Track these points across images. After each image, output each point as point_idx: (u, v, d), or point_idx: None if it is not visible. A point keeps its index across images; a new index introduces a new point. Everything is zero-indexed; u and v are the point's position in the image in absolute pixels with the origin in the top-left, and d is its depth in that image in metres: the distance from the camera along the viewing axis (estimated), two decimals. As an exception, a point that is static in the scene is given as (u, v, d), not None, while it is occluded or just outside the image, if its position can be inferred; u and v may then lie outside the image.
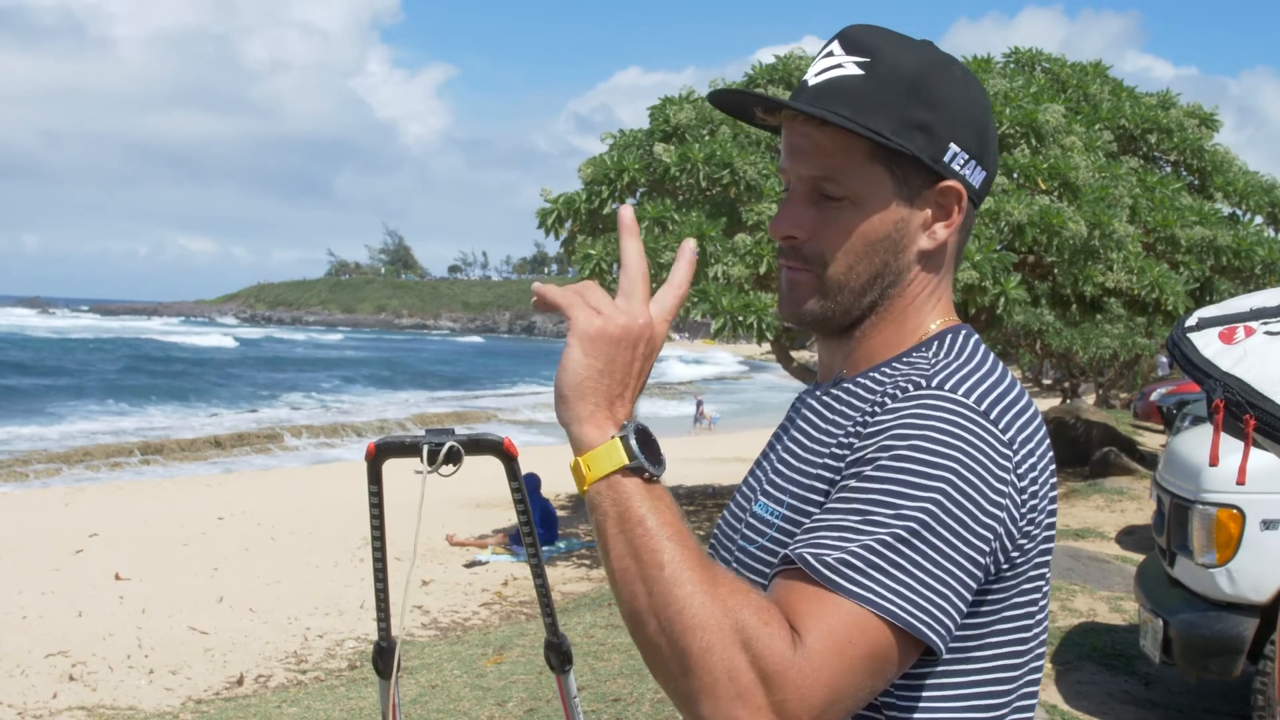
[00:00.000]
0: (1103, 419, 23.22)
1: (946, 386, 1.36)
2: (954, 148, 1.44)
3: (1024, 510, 1.34)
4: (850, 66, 1.44)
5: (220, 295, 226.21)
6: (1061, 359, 35.29)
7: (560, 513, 16.55)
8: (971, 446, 1.30)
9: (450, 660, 7.92)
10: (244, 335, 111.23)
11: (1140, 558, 9.37)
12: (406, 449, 2.19)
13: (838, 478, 1.36)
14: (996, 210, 11.92)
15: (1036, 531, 1.38)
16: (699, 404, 40.54)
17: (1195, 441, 6.19)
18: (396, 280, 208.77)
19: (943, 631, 1.26)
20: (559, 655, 2.57)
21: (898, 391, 1.37)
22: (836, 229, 1.45)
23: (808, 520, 1.38)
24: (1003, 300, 11.97)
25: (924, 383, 1.37)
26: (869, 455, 1.32)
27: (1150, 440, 24.34)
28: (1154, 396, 29.48)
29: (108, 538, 14.84)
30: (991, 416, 1.34)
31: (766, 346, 14.80)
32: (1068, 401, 33.61)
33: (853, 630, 1.23)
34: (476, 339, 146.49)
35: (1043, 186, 12.75)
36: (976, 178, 1.48)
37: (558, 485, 18.55)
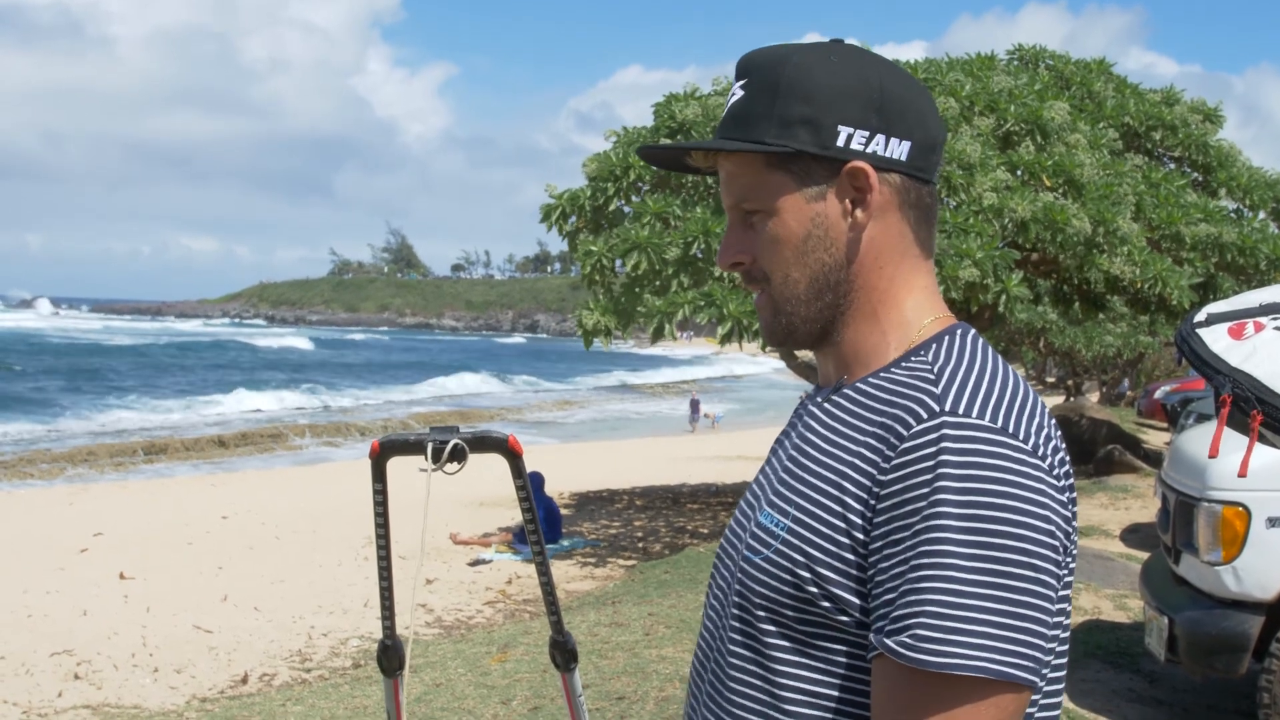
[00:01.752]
0: (1107, 417, 23.23)
1: (960, 410, 1.33)
2: (845, 129, 1.43)
3: (1069, 511, 1.36)
4: (738, 91, 1.49)
5: (223, 295, 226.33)
6: (1065, 357, 35.29)
7: (563, 511, 16.55)
8: (1017, 485, 1.29)
9: (454, 658, 7.92)
10: (316, 336, 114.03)
11: (1145, 555, 9.36)
12: (411, 447, 2.18)
13: (864, 509, 1.34)
14: (1000, 207, 11.91)
15: (1075, 525, 1.39)
16: (695, 403, 40.28)
17: (1200, 439, 6.18)
18: (399, 279, 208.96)
19: (1040, 670, 1.30)
20: (564, 654, 2.56)
21: (910, 419, 1.34)
22: (764, 241, 1.48)
23: (812, 534, 1.37)
24: (1004, 298, 11.96)
25: (936, 407, 1.34)
26: (915, 513, 1.29)
27: (1154, 438, 24.33)
28: (1158, 394, 29.46)
29: (112, 537, 14.85)
30: (1012, 431, 1.32)
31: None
32: (1071, 399, 33.57)
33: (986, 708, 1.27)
34: (519, 339, 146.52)
35: (1047, 183, 12.73)
36: (896, 149, 1.45)
37: (561, 484, 18.58)
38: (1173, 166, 15.69)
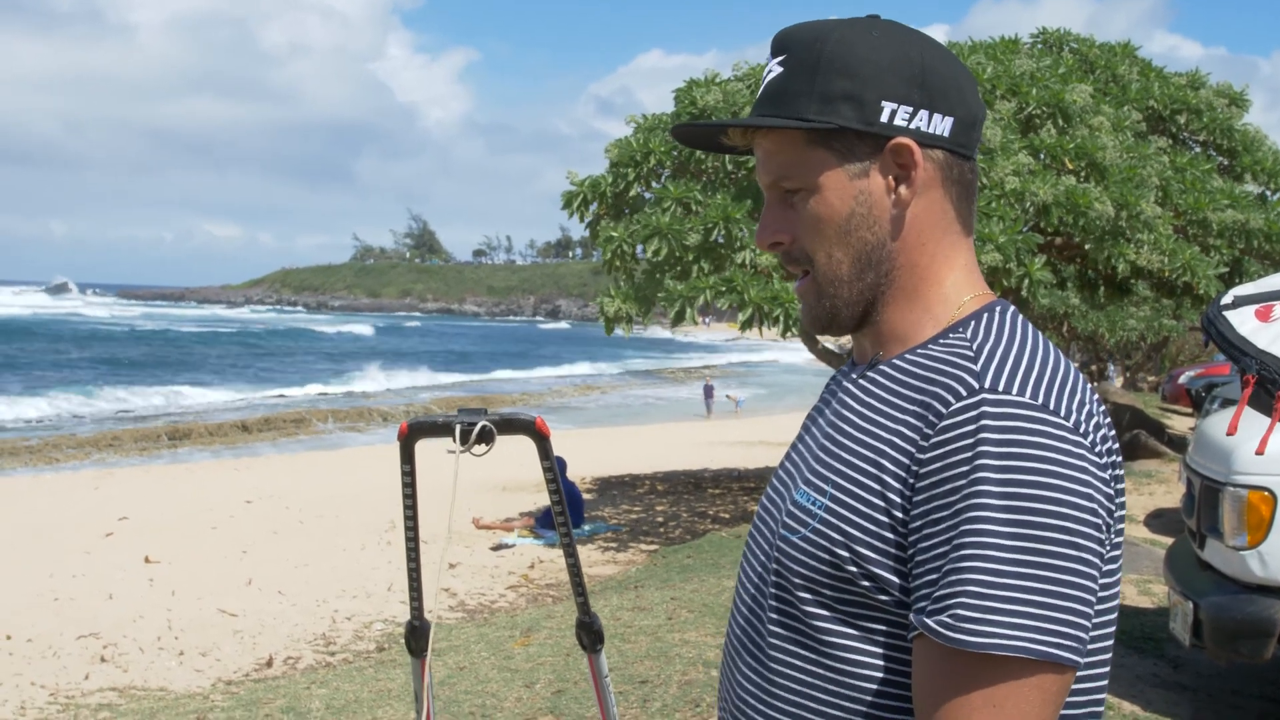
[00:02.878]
0: (1130, 402, 23.16)
1: (1000, 387, 1.32)
2: (889, 105, 1.41)
3: (1111, 488, 1.34)
4: (776, 68, 1.47)
5: (246, 280, 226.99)
6: (1088, 342, 35.17)
7: (586, 496, 16.59)
8: (1058, 463, 1.28)
9: (478, 642, 7.95)
10: (379, 324, 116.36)
11: (1169, 541, 9.32)
12: (439, 429, 2.18)
13: (903, 488, 1.34)
14: (1022, 190, 11.86)
15: (1120, 503, 1.38)
16: (709, 389, 40.02)
17: (1225, 424, 6.15)
18: (421, 265, 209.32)
19: (1083, 649, 1.28)
20: (590, 635, 2.57)
21: (950, 396, 1.33)
22: (806, 220, 1.46)
23: (851, 513, 1.36)
24: (1027, 282, 11.92)
25: (975, 384, 1.33)
26: (955, 492, 1.28)
27: (1179, 423, 24.24)
28: (1182, 379, 29.35)
29: (137, 521, 14.95)
30: (1053, 409, 1.31)
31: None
32: (1095, 384, 33.46)
33: (1027, 690, 1.26)
34: (565, 324, 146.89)
35: (1069, 167, 12.67)
36: (939, 125, 1.43)
37: (582, 469, 18.61)
38: (1198, 151, 15.60)
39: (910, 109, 1.42)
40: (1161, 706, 6.22)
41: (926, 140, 1.43)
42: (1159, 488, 14.56)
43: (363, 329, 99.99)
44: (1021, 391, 1.32)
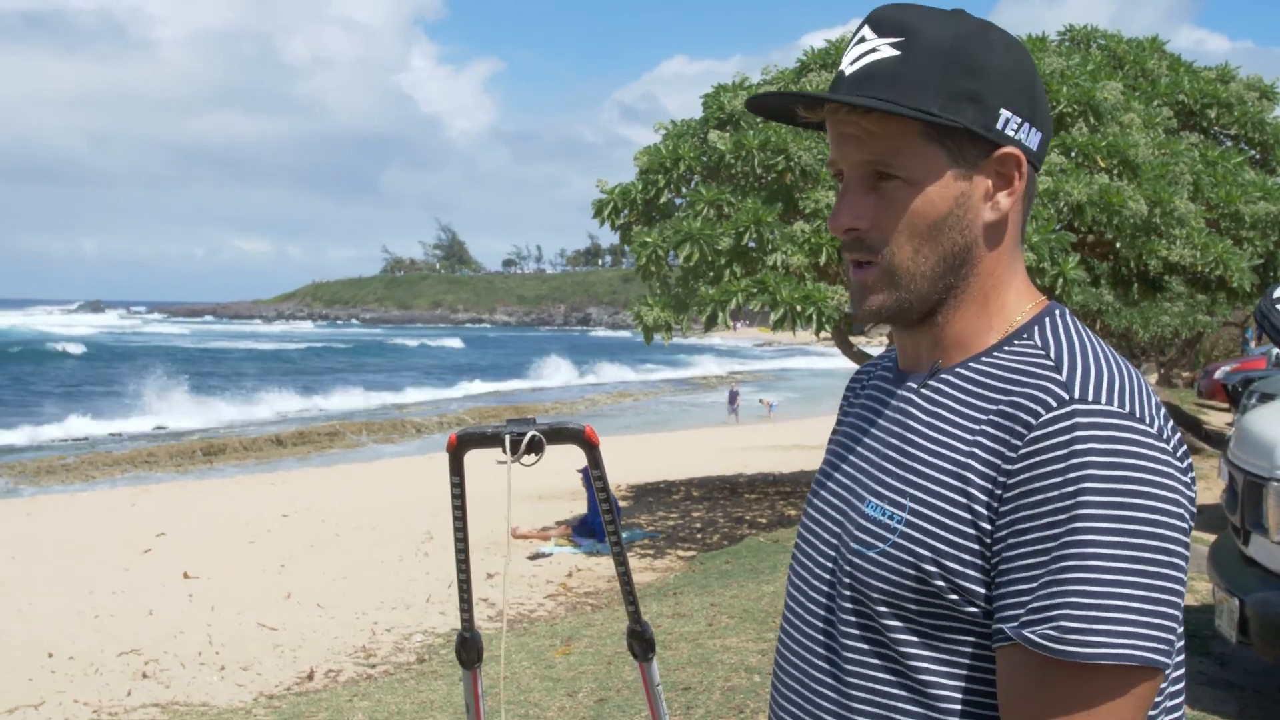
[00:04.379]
0: (1166, 398, 23.00)
1: (1089, 397, 1.31)
2: (1005, 113, 1.40)
3: (1192, 492, 1.34)
4: (885, 49, 1.40)
5: (277, 294, 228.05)
6: (1122, 339, 34.97)
7: (621, 503, 16.58)
8: (1154, 471, 1.28)
9: (518, 651, 7.95)
10: (466, 335, 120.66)
11: (1210, 538, 9.24)
12: (489, 439, 2.18)
13: (989, 499, 1.33)
14: (1055, 190, 11.80)
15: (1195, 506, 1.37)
16: (734, 394, 39.78)
17: (1267, 418, 6.10)
18: (451, 275, 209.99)
19: (1172, 652, 1.29)
20: (642, 643, 2.56)
21: (1038, 408, 1.32)
22: (896, 211, 1.41)
23: (936, 526, 1.35)
24: (1061, 281, 11.85)
25: (1064, 394, 1.32)
26: (1049, 503, 1.28)
27: (1215, 419, 24.06)
28: (1218, 374, 29.14)
29: (175, 537, 15.02)
30: (1139, 416, 1.31)
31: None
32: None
33: (1130, 698, 1.27)
34: (625, 333, 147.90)
35: (1101, 165, 12.60)
36: (1033, 140, 1.43)
37: (617, 476, 18.60)
38: (1229, 144, 15.50)
39: (1019, 120, 1.42)
40: (1208, 704, 6.17)
41: (1027, 153, 1.43)
42: (1198, 484, 14.45)
43: (452, 342, 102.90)
44: (1110, 401, 1.31)
